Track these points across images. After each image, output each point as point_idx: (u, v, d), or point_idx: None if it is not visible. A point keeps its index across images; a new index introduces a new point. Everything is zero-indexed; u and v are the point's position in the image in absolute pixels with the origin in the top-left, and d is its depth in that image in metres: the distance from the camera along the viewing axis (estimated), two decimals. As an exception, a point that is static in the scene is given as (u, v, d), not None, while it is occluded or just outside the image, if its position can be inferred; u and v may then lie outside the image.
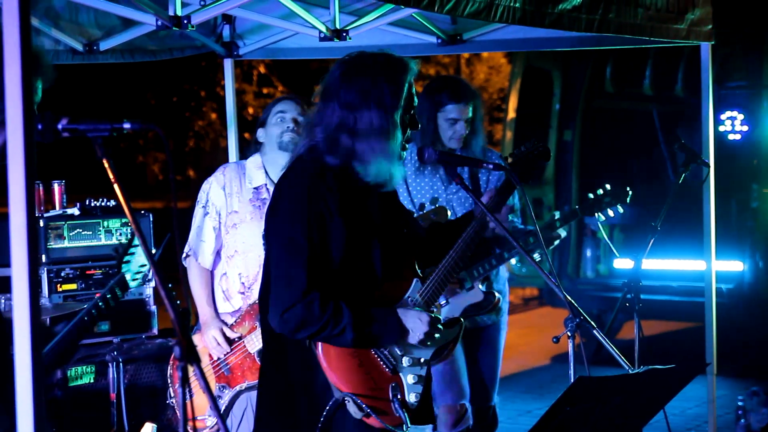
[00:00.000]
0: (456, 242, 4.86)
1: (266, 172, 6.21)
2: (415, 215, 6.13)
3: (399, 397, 4.54)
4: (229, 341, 6.07)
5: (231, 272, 6.21)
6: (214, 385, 6.05)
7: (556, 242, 6.43)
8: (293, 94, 6.42)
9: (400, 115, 4.52)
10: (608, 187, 6.28)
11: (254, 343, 6.03)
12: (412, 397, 4.58)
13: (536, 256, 6.33)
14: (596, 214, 6.32)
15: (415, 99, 4.61)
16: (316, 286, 4.32)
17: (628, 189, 6.22)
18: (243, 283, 6.17)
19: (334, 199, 4.45)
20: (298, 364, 4.52)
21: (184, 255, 6.25)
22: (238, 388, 6.08)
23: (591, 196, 6.34)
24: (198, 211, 6.28)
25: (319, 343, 4.44)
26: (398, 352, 4.59)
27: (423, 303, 4.68)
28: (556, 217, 6.36)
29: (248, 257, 6.13)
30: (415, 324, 4.54)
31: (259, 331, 5.95)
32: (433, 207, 6.34)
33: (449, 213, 6.31)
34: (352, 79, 4.55)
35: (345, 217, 4.45)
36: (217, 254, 6.25)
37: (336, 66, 4.64)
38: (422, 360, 4.64)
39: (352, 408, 4.42)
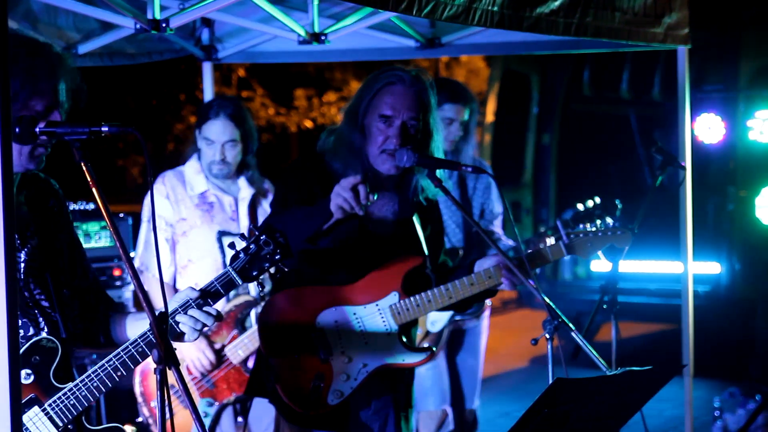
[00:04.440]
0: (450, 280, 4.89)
1: (206, 177, 6.08)
2: None
3: (321, 387, 4.58)
4: (216, 354, 5.94)
5: (184, 284, 6.04)
6: (198, 401, 5.88)
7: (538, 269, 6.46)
8: (231, 105, 6.06)
9: (371, 121, 4.64)
10: (598, 200, 6.31)
11: (237, 353, 5.91)
12: (333, 395, 4.62)
13: (510, 253, 6.35)
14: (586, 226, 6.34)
15: (393, 108, 4.67)
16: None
17: (617, 202, 6.25)
18: None
19: (310, 188, 4.71)
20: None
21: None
22: (225, 401, 5.93)
23: (581, 208, 6.35)
24: (144, 226, 6.10)
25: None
26: (338, 348, 4.64)
27: (392, 317, 4.72)
28: (548, 228, 6.39)
29: (204, 263, 5.99)
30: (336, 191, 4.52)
31: (239, 340, 5.90)
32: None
33: (460, 252, 6.34)
34: None
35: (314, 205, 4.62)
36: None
37: None
38: (363, 364, 4.67)
39: (266, 376, 4.55)
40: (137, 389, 6.02)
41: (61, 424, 3.66)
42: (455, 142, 6.45)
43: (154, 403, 5.95)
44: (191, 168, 6.11)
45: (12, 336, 2.67)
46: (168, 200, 6.03)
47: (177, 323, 3.76)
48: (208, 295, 3.80)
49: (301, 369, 4.64)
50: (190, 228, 5.99)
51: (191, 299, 3.77)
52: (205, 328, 3.78)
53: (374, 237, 4.78)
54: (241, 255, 3.83)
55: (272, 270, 3.86)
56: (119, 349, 3.71)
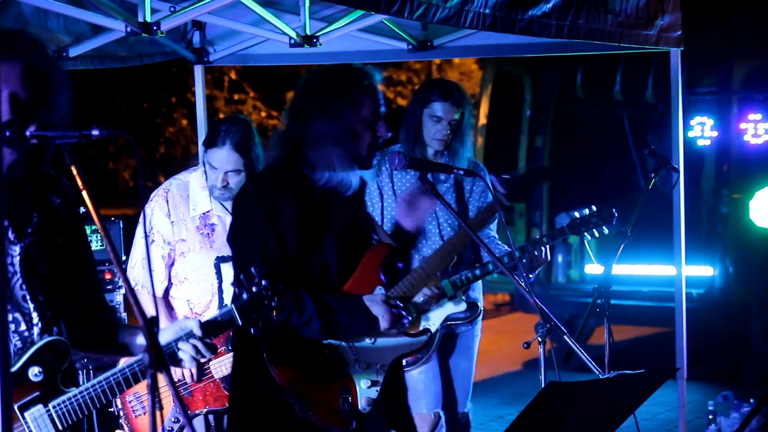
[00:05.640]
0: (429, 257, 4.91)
1: (211, 192, 6.00)
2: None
3: (350, 400, 4.56)
4: (199, 368, 5.91)
5: (179, 296, 6.02)
6: (170, 407, 5.88)
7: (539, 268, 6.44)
8: (239, 133, 5.89)
9: (358, 121, 4.58)
10: (594, 207, 6.29)
11: (220, 369, 5.87)
12: (363, 402, 4.60)
13: (505, 258, 6.32)
14: (583, 234, 6.33)
15: (379, 105, 4.64)
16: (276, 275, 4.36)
17: (613, 210, 6.23)
18: (191, 309, 5.99)
19: (290, 204, 4.55)
20: (252, 371, 4.62)
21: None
22: (198, 412, 5.88)
23: (577, 215, 6.34)
24: (140, 240, 6.02)
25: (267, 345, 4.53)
26: (351, 356, 4.63)
27: None
28: (543, 235, 6.40)
29: (200, 285, 5.95)
30: (382, 310, 4.56)
31: (225, 356, 5.87)
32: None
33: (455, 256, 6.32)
34: (306, 91, 4.72)
35: (300, 221, 4.55)
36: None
37: (300, 81, 4.79)
38: (379, 365, 4.66)
39: (296, 407, 4.47)
40: (122, 417, 6.02)
41: (61, 427, 3.68)
42: (445, 142, 6.43)
43: (130, 398, 5.94)
44: (196, 182, 6.01)
45: (2, 333, 2.65)
46: (168, 218, 5.96)
47: (178, 350, 3.79)
48: (210, 329, 3.85)
49: (328, 391, 4.61)
50: (188, 250, 5.95)
51: (194, 332, 3.80)
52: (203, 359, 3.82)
53: (342, 239, 4.74)
54: (244, 295, 3.90)
55: (273, 315, 3.96)
56: (130, 362, 3.75)
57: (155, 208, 5.98)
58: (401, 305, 4.67)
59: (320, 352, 4.61)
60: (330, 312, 4.51)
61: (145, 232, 5.99)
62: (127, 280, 3.25)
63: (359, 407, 4.62)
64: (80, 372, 6.55)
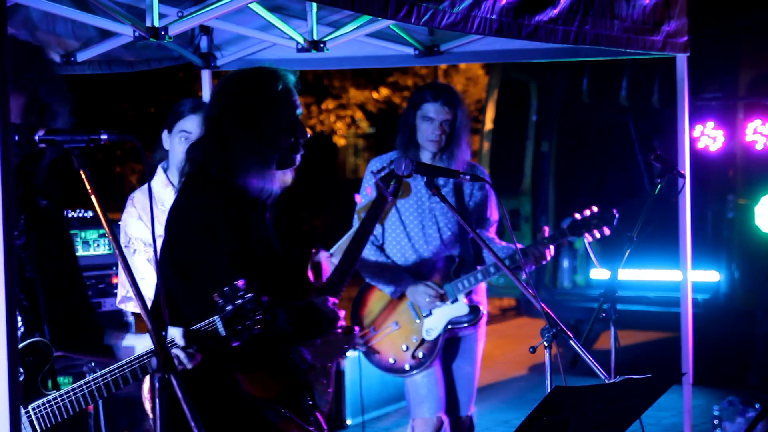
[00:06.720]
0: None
1: (174, 189, 5.96)
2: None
3: (311, 403, 4.59)
4: None
5: None
6: None
7: (543, 262, 6.46)
8: (204, 104, 5.93)
9: (276, 126, 4.50)
10: (595, 209, 6.32)
11: None
12: (323, 402, 4.66)
13: (507, 261, 6.34)
14: (584, 235, 6.35)
15: (295, 107, 4.58)
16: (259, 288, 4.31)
17: (614, 211, 6.25)
18: None
19: (233, 211, 4.41)
20: (211, 383, 4.43)
21: (118, 300, 6.00)
22: None
23: (578, 217, 6.36)
24: (123, 249, 5.86)
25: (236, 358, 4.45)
26: (307, 359, 4.65)
27: None
28: (545, 237, 6.41)
29: None
30: (327, 313, 4.59)
31: None
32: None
33: (456, 259, 6.35)
34: (221, 98, 4.59)
35: (241, 229, 4.41)
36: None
37: (214, 86, 4.66)
38: (328, 366, 4.73)
39: (271, 415, 4.44)
40: (147, 405, 5.98)
41: (39, 430, 3.67)
42: (438, 144, 6.43)
43: None
44: (158, 182, 5.97)
45: (11, 334, 2.66)
46: (142, 221, 5.90)
47: None
48: (193, 338, 3.81)
49: (297, 396, 4.62)
50: None
51: (176, 342, 3.77)
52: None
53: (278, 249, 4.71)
54: (228, 307, 3.83)
55: (256, 327, 3.86)
56: (107, 370, 3.71)
57: (127, 218, 5.91)
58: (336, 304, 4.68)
59: (283, 360, 4.59)
60: (295, 320, 4.46)
61: (127, 244, 5.96)
62: (135, 283, 3.26)
63: (322, 407, 4.67)
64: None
